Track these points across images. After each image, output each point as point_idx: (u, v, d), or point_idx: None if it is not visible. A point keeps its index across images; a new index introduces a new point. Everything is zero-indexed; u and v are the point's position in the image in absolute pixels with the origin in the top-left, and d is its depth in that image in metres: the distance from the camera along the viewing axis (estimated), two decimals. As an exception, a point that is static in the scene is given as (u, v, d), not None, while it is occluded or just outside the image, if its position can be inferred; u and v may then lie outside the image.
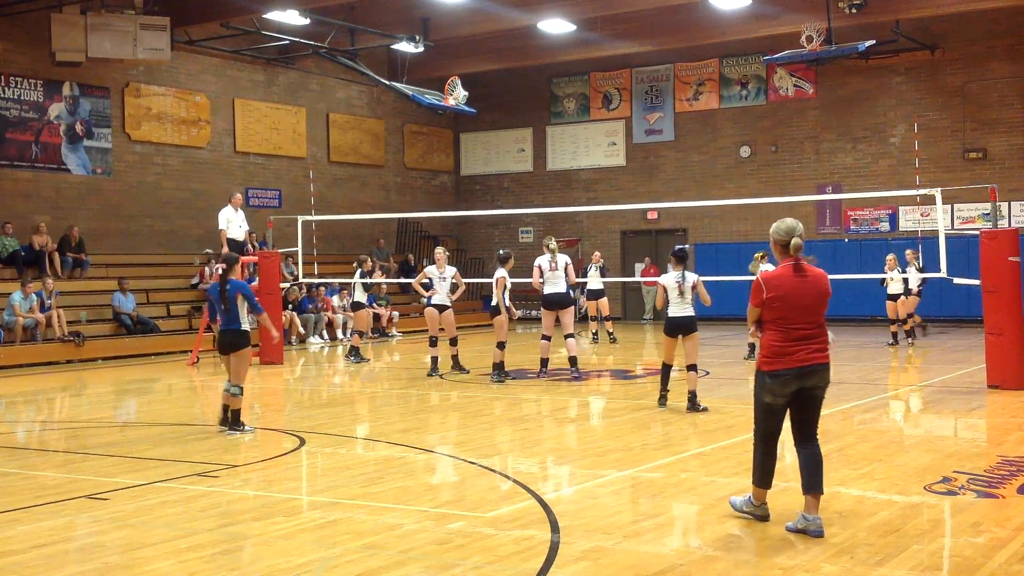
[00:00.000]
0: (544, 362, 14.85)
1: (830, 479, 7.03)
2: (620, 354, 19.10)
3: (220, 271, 10.32)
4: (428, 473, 8.47)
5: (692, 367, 11.29)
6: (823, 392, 6.39)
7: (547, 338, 14.83)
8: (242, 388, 10.17)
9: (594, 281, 21.18)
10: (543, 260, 14.62)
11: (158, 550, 6.08)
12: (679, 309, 11.12)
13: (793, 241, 6.28)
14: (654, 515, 6.95)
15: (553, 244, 14.75)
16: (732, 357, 17.51)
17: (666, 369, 11.47)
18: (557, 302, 14.57)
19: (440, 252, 15.49)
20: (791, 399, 6.31)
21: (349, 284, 23.63)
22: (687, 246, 11.44)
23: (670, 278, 11.16)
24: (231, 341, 10.18)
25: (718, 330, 23.92)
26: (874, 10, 21.36)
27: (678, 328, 11.17)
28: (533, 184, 30.03)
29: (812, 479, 6.24)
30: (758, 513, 6.51)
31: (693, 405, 11.19)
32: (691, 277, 11.17)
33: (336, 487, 7.80)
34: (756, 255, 15.01)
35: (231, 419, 10.18)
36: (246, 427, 10.22)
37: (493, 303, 14.47)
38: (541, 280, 14.55)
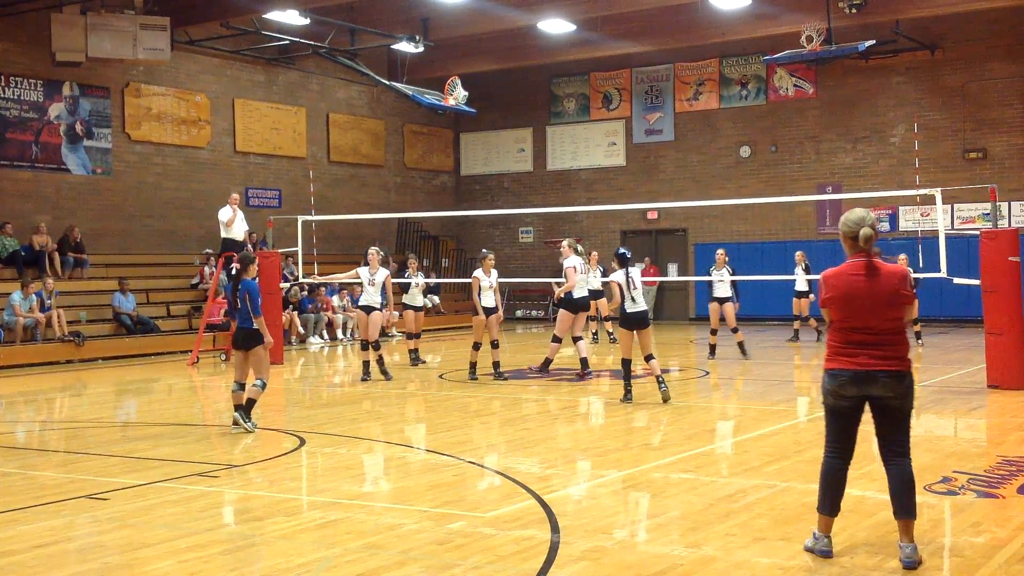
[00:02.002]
0: (547, 362, 14.81)
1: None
2: (619, 354, 19.02)
3: (235, 270, 10.45)
4: (428, 473, 8.46)
5: (650, 357, 12.03)
6: (898, 403, 5.60)
7: (558, 340, 14.74)
8: (264, 381, 10.31)
9: (595, 281, 21.18)
10: (578, 263, 14.43)
11: (158, 550, 6.08)
12: (634, 305, 11.88)
13: (862, 232, 5.55)
14: (654, 515, 6.95)
15: (581, 248, 14.80)
16: (732, 356, 17.50)
17: (626, 364, 12.14)
18: (583, 306, 14.55)
19: (374, 252, 14.97)
20: (858, 406, 5.65)
21: (350, 284, 23.74)
22: (628, 252, 11.99)
23: (621, 275, 11.86)
24: (245, 339, 10.37)
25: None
26: (874, 10, 21.34)
27: (633, 323, 11.95)
28: (533, 184, 30.02)
29: (898, 501, 5.63)
30: (818, 547, 5.72)
31: (662, 385, 11.87)
32: (636, 272, 12.07)
33: (336, 487, 7.80)
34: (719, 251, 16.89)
35: (244, 406, 10.26)
36: (250, 421, 10.27)
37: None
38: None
